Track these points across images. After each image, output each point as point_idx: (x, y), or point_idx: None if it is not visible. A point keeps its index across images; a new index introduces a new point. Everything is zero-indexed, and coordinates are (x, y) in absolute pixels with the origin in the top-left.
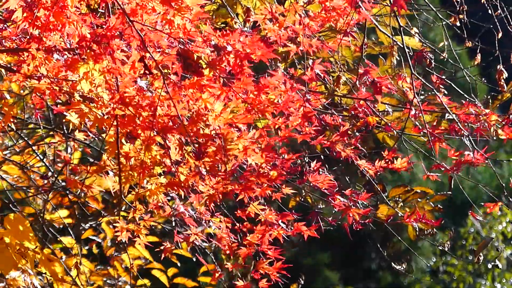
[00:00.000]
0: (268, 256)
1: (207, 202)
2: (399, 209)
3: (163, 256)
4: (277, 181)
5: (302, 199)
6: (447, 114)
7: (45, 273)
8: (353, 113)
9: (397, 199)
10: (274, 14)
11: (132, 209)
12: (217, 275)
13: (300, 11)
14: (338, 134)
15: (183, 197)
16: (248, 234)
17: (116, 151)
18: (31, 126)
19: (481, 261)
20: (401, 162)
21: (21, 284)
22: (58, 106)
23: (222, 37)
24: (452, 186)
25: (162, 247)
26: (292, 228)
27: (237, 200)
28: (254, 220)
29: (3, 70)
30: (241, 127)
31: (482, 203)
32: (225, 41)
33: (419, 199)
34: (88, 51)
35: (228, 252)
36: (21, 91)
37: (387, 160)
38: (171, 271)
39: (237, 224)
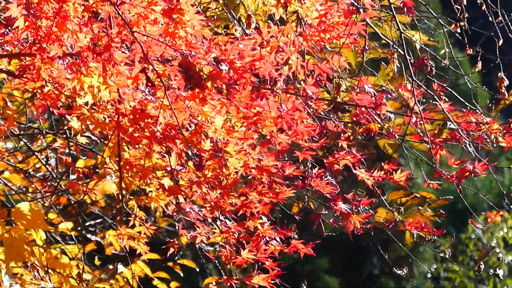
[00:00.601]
0: (265, 266)
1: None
2: (400, 214)
3: (169, 252)
4: (279, 199)
5: (306, 203)
6: (449, 123)
7: (52, 269)
8: (354, 119)
9: (398, 205)
10: (265, 38)
11: (133, 216)
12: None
13: (293, 32)
14: (340, 141)
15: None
16: (246, 245)
17: (117, 158)
18: (33, 130)
19: (482, 269)
20: (400, 175)
21: (32, 282)
22: (60, 108)
23: (221, 50)
24: (459, 191)
25: (167, 245)
26: (289, 241)
27: (238, 215)
28: (253, 233)
29: (4, 75)
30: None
31: (483, 212)
32: (223, 55)
33: (420, 207)
34: (91, 63)
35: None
36: (22, 95)
37: (387, 172)
38: (174, 284)
39: (236, 235)
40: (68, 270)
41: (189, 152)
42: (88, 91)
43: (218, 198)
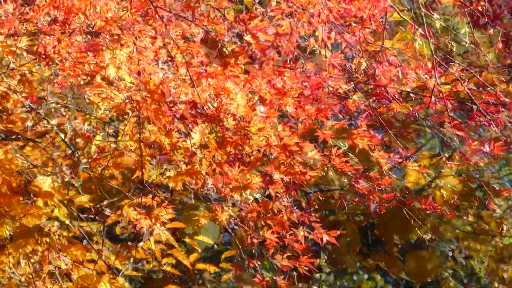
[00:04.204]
0: (294, 249)
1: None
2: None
3: (200, 224)
4: (302, 180)
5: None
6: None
7: (66, 256)
8: (374, 98)
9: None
10: (293, 7)
11: (152, 195)
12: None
13: (320, 4)
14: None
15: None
16: (272, 227)
17: (138, 136)
18: (53, 106)
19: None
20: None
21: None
22: (81, 84)
23: (244, 25)
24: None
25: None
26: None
27: (265, 195)
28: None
29: (24, 53)
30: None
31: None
32: (246, 29)
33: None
34: (113, 36)
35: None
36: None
37: (404, 156)
38: (193, 256)
39: (261, 215)
40: (80, 254)
41: (212, 129)
42: (111, 65)
43: (240, 176)
